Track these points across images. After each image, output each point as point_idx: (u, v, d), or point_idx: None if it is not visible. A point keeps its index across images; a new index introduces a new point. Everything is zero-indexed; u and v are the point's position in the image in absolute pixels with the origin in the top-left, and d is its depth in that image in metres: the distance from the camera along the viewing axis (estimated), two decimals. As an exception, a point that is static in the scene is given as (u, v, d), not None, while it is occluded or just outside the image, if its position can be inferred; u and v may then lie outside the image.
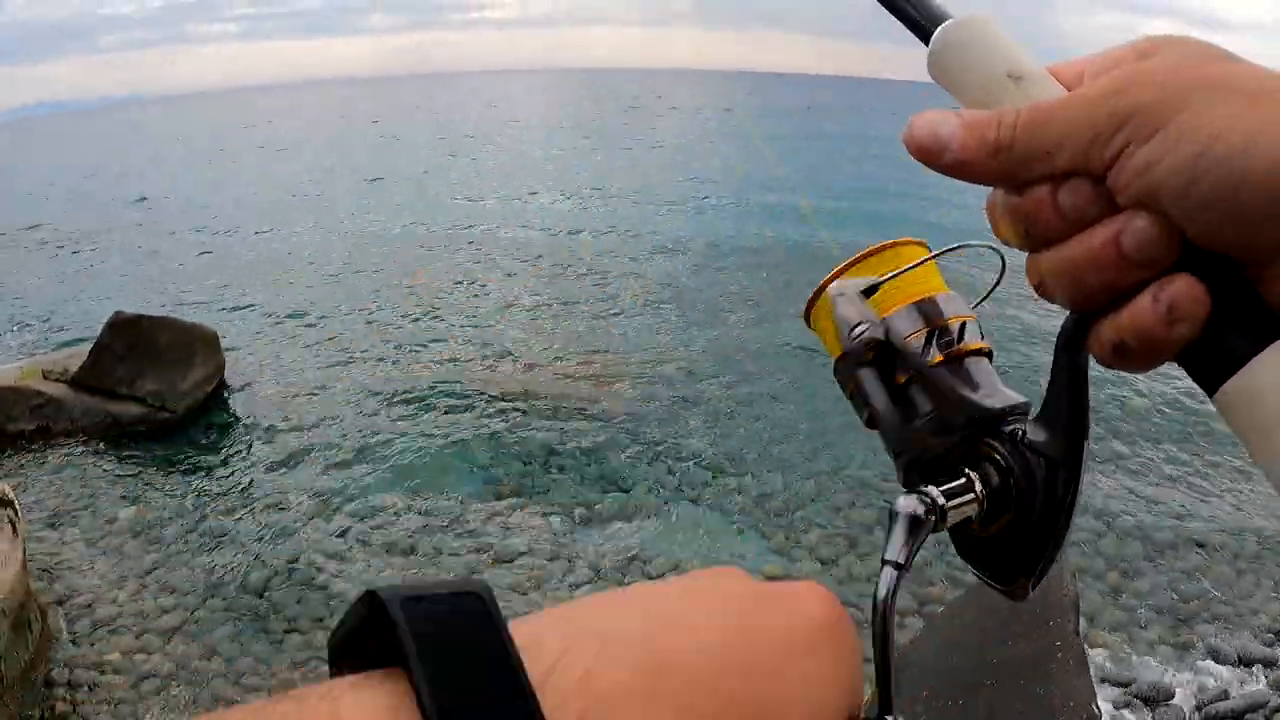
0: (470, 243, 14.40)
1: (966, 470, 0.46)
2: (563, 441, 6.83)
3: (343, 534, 5.66)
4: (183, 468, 6.71)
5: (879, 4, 0.47)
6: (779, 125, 39.37)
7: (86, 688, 4.29)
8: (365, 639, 0.27)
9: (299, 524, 5.78)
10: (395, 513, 5.90)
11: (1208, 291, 0.35)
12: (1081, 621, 3.63)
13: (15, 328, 10.80)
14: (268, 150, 32.73)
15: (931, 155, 0.40)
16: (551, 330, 9.68)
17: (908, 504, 0.44)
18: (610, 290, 11.15)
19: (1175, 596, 4.93)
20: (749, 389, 7.73)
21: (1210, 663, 4.38)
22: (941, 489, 0.45)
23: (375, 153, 29.48)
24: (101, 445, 6.96)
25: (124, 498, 6.21)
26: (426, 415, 7.50)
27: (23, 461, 6.69)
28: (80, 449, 6.89)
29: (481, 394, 7.82)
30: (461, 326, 9.91)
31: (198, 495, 6.25)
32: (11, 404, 7.05)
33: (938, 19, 0.44)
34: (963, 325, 0.50)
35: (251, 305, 11.12)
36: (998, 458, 0.46)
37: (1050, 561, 0.46)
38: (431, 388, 8.06)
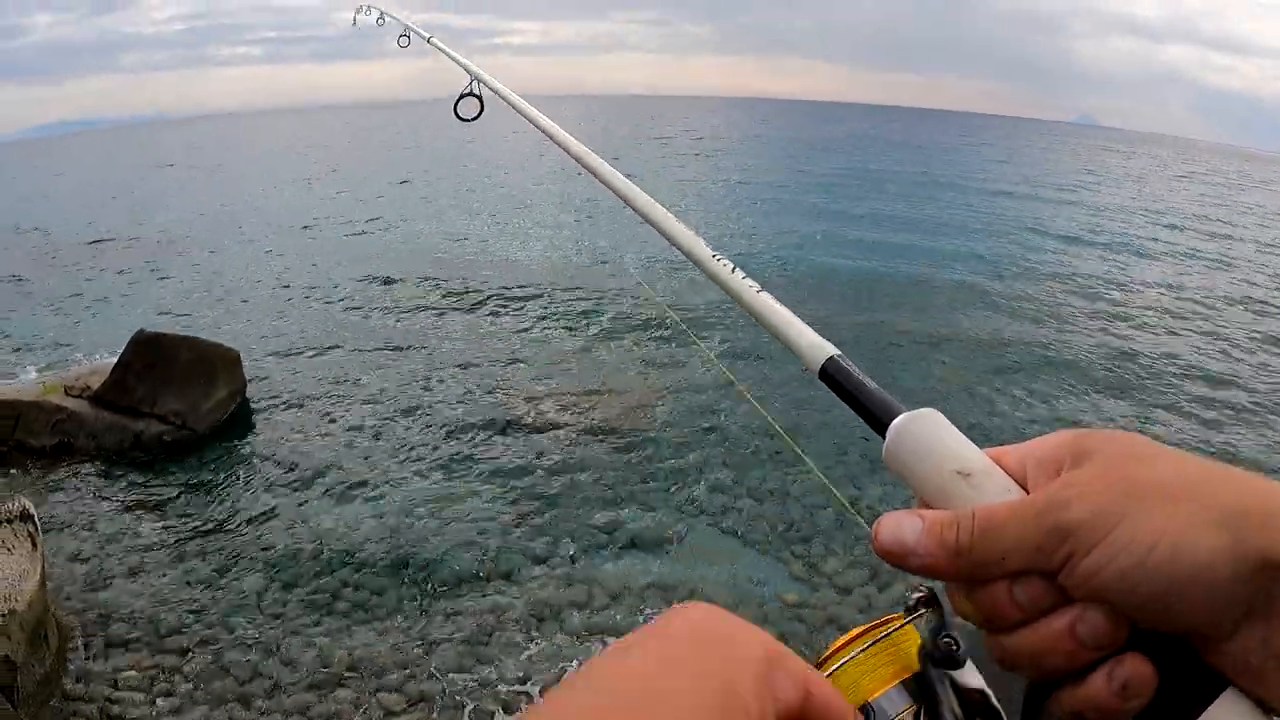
0: (485, 266, 14.49)
1: None
2: (583, 468, 6.83)
3: (358, 555, 5.64)
4: (202, 487, 6.70)
5: (837, 397, 0.51)
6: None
7: (102, 702, 4.27)
8: None
9: (315, 546, 5.76)
10: (412, 534, 5.88)
11: (1156, 670, 0.39)
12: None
13: (38, 343, 10.91)
14: (289, 173, 33.10)
15: (900, 560, 0.44)
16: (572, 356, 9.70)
17: None
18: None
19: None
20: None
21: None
22: None
23: (387, 177, 29.74)
24: (122, 462, 6.97)
25: (143, 515, 6.22)
26: (445, 439, 7.51)
27: (44, 476, 6.71)
28: (101, 465, 6.91)
29: (505, 417, 7.83)
30: (486, 354, 9.95)
31: (216, 514, 6.25)
32: (33, 419, 7.09)
33: (891, 413, 0.48)
34: None
35: (272, 327, 11.21)
36: None
37: None
38: (453, 411, 8.08)
